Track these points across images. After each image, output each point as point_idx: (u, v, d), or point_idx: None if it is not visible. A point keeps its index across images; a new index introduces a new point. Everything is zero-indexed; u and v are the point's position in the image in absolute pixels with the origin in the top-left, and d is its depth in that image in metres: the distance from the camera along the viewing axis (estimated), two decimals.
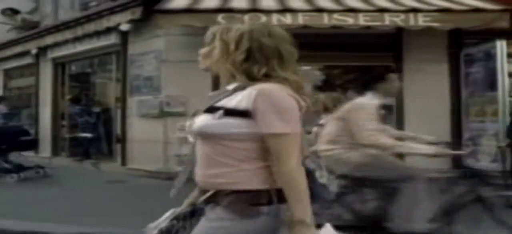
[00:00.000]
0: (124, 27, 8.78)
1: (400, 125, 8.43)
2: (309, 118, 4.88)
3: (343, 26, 7.45)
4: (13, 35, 13.15)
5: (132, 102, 8.97)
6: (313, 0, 7.89)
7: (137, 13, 8.50)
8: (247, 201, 1.48)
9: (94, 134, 10.13)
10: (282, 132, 1.45)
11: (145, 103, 8.61)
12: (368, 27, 7.55)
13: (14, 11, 12.90)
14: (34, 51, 11.38)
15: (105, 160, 9.77)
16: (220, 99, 1.55)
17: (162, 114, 8.32)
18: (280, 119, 1.45)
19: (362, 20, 7.41)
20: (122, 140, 9.15)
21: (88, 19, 9.63)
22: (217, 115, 1.50)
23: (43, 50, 11.31)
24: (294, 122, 1.49)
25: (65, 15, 11.43)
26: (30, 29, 12.61)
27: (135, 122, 8.98)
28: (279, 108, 1.46)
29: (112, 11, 9.06)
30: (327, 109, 5.07)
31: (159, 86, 8.49)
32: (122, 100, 9.22)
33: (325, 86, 6.34)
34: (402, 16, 7.32)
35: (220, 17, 7.23)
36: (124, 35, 9.18)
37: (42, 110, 11.59)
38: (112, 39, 9.41)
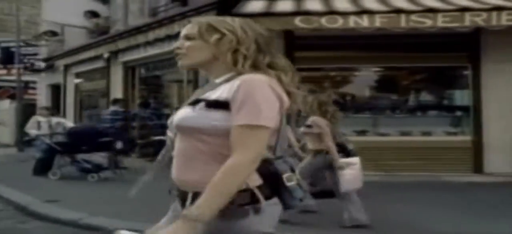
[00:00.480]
0: None
1: (477, 127, 8.26)
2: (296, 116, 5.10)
3: (420, 28, 7.38)
4: (82, 40, 13.83)
5: None
6: (389, 0, 7.84)
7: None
8: (232, 202, 1.35)
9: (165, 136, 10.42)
10: (248, 123, 1.35)
11: None
12: (446, 28, 7.45)
13: (94, 15, 13.54)
14: (106, 55, 11.89)
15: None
16: (205, 93, 1.47)
17: None
18: (253, 110, 1.35)
19: (441, 21, 7.31)
20: None
21: (160, 24, 9.96)
22: (198, 107, 1.43)
23: (114, 54, 11.80)
24: (268, 116, 1.38)
25: (134, 20, 11.86)
26: (101, 34, 13.22)
27: None
28: (255, 100, 1.36)
29: (184, 15, 9.34)
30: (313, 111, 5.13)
31: None
32: None
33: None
34: (484, 15, 7.15)
35: (297, 20, 7.34)
36: None
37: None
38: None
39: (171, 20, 9.66)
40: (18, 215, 6.24)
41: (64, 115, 14.06)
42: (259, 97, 1.36)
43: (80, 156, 8.39)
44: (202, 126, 1.40)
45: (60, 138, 8.80)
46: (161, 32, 9.95)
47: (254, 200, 1.39)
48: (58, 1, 15.67)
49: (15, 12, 28.36)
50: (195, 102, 1.45)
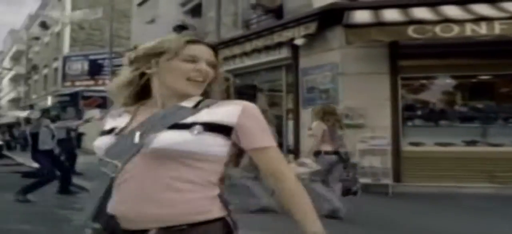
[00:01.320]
0: (299, 41, 9.13)
1: None
2: None
3: None
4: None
5: (307, 114, 9.23)
6: (504, 6, 7.51)
7: (312, 28, 8.79)
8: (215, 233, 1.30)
9: None
10: (272, 145, 1.39)
11: None
12: None
13: (183, 28, 14.08)
14: None
15: None
16: (176, 116, 1.33)
17: None
18: (266, 135, 1.39)
19: None
20: (296, 150, 9.46)
21: (258, 35, 10.17)
22: (196, 131, 1.28)
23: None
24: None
25: (227, 32, 12.19)
26: None
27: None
28: (263, 125, 1.39)
29: (284, 27, 9.48)
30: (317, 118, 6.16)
31: (336, 98, 8.66)
32: (295, 112, 9.54)
33: None
34: None
35: (410, 30, 7.21)
36: (295, 49, 9.55)
37: None
38: (283, 53, 9.83)
39: (271, 31, 9.83)
40: None
41: None
42: (264, 122, 1.41)
43: None
44: (200, 150, 1.29)
45: None
46: (259, 43, 10.16)
47: (229, 229, 1.35)
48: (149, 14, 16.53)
49: (102, 27, 30.16)
50: (181, 126, 1.30)
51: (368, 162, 7.94)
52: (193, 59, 1.39)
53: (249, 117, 1.37)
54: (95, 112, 21.39)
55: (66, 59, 28.36)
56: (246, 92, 12.15)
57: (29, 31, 43.36)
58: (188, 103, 1.37)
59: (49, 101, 29.56)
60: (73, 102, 24.75)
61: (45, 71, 34.88)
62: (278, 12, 10.71)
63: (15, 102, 47.61)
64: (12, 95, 48.05)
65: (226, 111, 1.36)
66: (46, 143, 8.11)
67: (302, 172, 5.55)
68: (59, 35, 32.35)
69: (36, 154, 8.22)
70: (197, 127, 1.29)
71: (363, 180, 7.77)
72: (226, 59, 11.44)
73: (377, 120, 8.30)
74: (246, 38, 10.55)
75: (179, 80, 1.37)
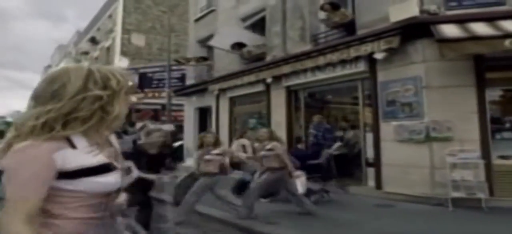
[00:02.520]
0: (380, 55, 9.16)
1: None
2: None
3: None
4: (232, 66, 14.67)
5: (387, 127, 9.23)
6: None
7: (394, 42, 8.81)
8: None
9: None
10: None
11: (406, 129, 8.80)
12: None
13: (241, 45, 14.36)
14: (269, 80, 12.47)
15: (353, 183, 10.16)
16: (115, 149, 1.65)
17: (428, 139, 8.41)
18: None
19: None
20: (376, 163, 9.45)
21: (334, 49, 10.25)
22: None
23: (276, 78, 12.33)
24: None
25: (294, 47, 12.33)
26: (255, 60, 13.95)
27: (389, 146, 9.22)
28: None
29: (362, 41, 9.53)
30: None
31: (420, 111, 8.63)
32: (375, 125, 9.54)
33: None
34: None
35: (508, 42, 7.14)
36: (373, 62, 9.57)
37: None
38: (360, 67, 9.88)
39: (347, 45, 9.89)
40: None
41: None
42: None
43: None
44: None
45: None
46: (334, 57, 10.23)
47: None
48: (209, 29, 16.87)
49: (150, 42, 30.92)
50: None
51: (459, 175, 7.86)
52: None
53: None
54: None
55: None
56: (315, 106, 12.25)
57: (78, 46, 44.86)
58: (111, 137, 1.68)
59: None
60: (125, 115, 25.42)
61: None
62: (349, 27, 10.78)
63: None
64: None
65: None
66: None
67: None
68: (108, 49, 33.34)
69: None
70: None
71: (455, 194, 7.74)
72: (296, 73, 11.60)
73: (464, 133, 8.22)
74: (320, 52, 10.64)
75: (118, 117, 1.62)
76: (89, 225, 1.40)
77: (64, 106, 1.39)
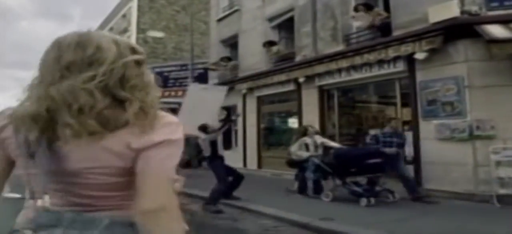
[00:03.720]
0: (421, 56, 9.35)
1: None
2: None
3: None
4: (259, 65, 14.89)
5: (427, 125, 9.43)
6: None
7: (436, 42, 9.01)
8: None
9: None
10: None
11: (447, 127, 8.99)
12: None
13: (271, 44, 14.57)
14: (301, 79, 12.68)
15: (392, 180, 10.33)
16: None
17: (472, 137, 8.61)
18: None
19: None
20: (415, 161, 9.66)
21: (372, 49, 10.45)
22: None
23: (308, 78, 12.53)
24: None
25: (325, 47, 12.52)
26: (282, 60, 14.18)
27: (429, 144, 9.42)
28: None
29: (402, 41, 9.73)
30: None
31: (462, 110, 8.82)
32: (414, 124, 9.74)
33: None
34: None
35: None
36: (412, 62, 9.77)
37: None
38: (399, 67, 10.08)
39: (385, 45, 10.09)
40: (296, 229, 6.98)
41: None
42: None
43: (349, 179, 8.50)
44: None
45: (326, 159, 9.10)
46: (371, 57, 10.44)
47: None
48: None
49: (165, 41, 31.11)
50: None
51: (504, 173, 8.06)
52: None
53: None
54: None
55: None
56: (348, 105, 12.43)
57: None
58: None
59: None
60: None
61: None
62: (384, 27, 10.95)
63: None
64: None
65: None
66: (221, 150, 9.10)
67: None
68: None
69: (215, 161, 8.97)
70: None
71: (502, 191, 7.95)
72: (330, 73, 11.80)
73: (508, 132, 8.42)
74: (356, 52, 10.84)
75: None
76: None
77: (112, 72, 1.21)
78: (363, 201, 7.95)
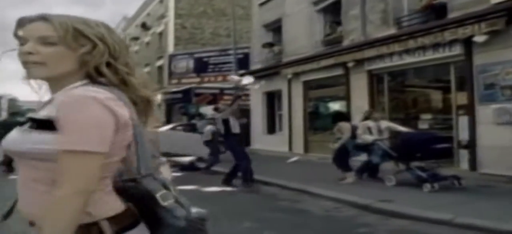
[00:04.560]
0: (480, 38, 9.17)
1: None
2: None
3: None
4: (304, 49, 14.89)
5: (485, 110, 9.28)
6: None
7: (499, 24, 8.81)
8: None
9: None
10: (68, 149, 1.13)
11: (507, 111, 8.84)
12: None
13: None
14: (350, 64, 12.64)
15: (446, 164, 10.25)
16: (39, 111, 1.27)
17: None
18: (73, 131, 1.14)
19: None
20: (471, 145, 9.55)
21: (427, 32, 10.31)
22: (22, 129, 1.25)
23: (358, 62, 12.48)
24: (95, 139, 1.16)
25: (374, 30, 12.41)
26: (329, 44, 14.15)
27: (486, 129, 9.28)
28: (78, 120, 1.15)
29: (460, 23, 9.56)
30: None
31: None
32: (470, 108, 9.61)
33: None
34: None
35: None
36: (468, 45, 9.60)
37: (357, 117, 12.61)
38: (455, 50, 9.91)
39: (442, 28, 9.94)
40: (356, 211, 7.06)
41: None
42: (82, 116, 1.16)
43: (414, 164, 8.23)
44: (27, 150, 1.20)
45: (389, 143, 8.93)
46: (426, 40, 10.30)
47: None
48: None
49: (203, 26, 31.40)
50: (21, 124, 1.27)
51: None
52: (22, 42, 1.25)
53: (64, 109, 1.17)
54: (208, 109, 22.39)
55: (171, 57, 29.76)
56: (399, 90, 12.31)
57: (126, 31, 45.83)
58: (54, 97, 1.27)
59: (159, 97, 31.20)
60: (185, 99, 26.03)
61: (147, 69, 36.80)
62: (439, 8, 10.77)
63: None
64: None
65: (51, 104, 1.24)
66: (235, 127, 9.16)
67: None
68: (161, 35, 34.03)
69: (229, 139, 9.28)
70: (27, 125, 1.25)
71: None
72: (381, 57, 11.72)
73: None
74: (410, 35, 10.71)
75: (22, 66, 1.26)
76: None
77: None
78: (427, 186, 7.77)
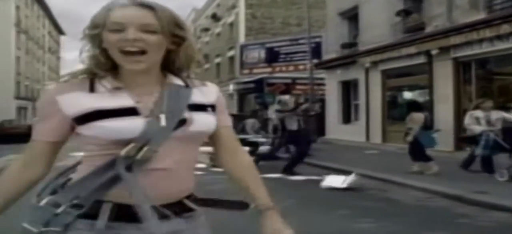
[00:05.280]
0: None
1: None
2: None
3: None
4: (384, 38, 14.48)
5: None
6: None
7: None
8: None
9: None
10: (230, 125, 1.49)
11: None
12: None
13: (407, 13, 14.08)
14: (434, 51, 12.16)
15: None
16: (184, 97, 1.29)
17: None
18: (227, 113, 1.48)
19: None
20: None
21: None
22: (210, 112, 1.34)
23: (442, 49, 11.98)
24: None
25: (462, 16, 11.83)
26: (409, 32, 13.66)
27: None
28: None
29: None
30: None
31: None
32: None
33: None
34: None
35: None
36: None
37: (440, 107, 12.23)
38: None
39: None
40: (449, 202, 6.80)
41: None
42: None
43: None
44: (212, 130, 1.36)
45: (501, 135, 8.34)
46: None
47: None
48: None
49: (273, 16, 31.50)
50: (197, 107, 1.31)
51: None
52: (120, 28, 1.19)
53: (221, 96, 1.45)
54: (286, 98, 22.42)
55: (243, 48, 30.12)
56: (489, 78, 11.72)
57: (196, 23, 46.99)
58: (178, 82, 1.32)
59: (231, 88, 31.79)
60: (257, 89, 26.30)
61: (218, 60, 37.58)
62: None
63: None
64: None
65: (211, 91, 1.40)
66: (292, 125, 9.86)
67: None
68: (232, 25, 34.55)
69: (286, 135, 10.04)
70: (209, 109, 1.35)
71: None
72: (469, 43, 11.18)
73: None
74: (504, 19, 10.13)
75: (115, 54, 1.21)
76: (96, 171, 1.21)
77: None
78: (503, 175, 7.35)
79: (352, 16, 17.55)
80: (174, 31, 1.24)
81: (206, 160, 8.29)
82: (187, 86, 1.32)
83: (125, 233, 1.20)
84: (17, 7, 42.31)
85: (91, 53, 1.25)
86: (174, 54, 1.29)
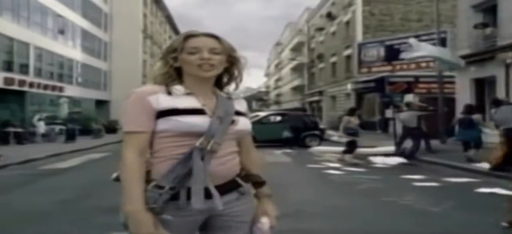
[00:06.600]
0: None
1: None
2: None
3: None
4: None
5: None
6: None
7: None
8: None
9: None
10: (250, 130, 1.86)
11: None
12: None
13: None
14: None
15: None
16: (230, 106, 1.73)
17: None
18: None
19: None
20: None
21: None
22: (247, 117, 1.82)
23: None
24: None
25: None
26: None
27: None
28: None
29: None
30: None
31: None
32: None
33: None
34: None
35: None
36: None
37: None
38: None
39: None
40: None
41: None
42: None
43: None
44: (247, 129, 1.81)
45: None
46: None
47: None
48: None
49: (392, 12, 30.40)
50: (238, 113, 1.74)
51: None
52: (196, 51, 1.64)
53: (247, 108, 1.88)
54: (410, 96, 21.45)
55: (361, 46, 29.46)
56: None
57: (310, 22, 47.07)
58: (224, 95, 1.76)
59: (349, 87, 31.35)
60: (378, 88, 25.53)
61: (333, 59, 37.25)
62: None
63: (298, 90, 52.57)
64: (295, 83, 53.18)
65: (243, 103, 1.84)
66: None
67: None
68: (348, 24, 34.00)
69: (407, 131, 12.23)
70: (244, 115, 1.79)
71: None
72: None
73: None
74: None
75: (193, 69, 1.65)
76: (174, 162, 1.57)
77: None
78: None
79: (488, 8, 16.18)
80: (231, 53, 1.71)
81: None
82: (229, 98, 1.75)
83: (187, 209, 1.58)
84: (144, 15, 45.90)
85: (164, 70, 1.69)
86: (228, 70, 1.76)
